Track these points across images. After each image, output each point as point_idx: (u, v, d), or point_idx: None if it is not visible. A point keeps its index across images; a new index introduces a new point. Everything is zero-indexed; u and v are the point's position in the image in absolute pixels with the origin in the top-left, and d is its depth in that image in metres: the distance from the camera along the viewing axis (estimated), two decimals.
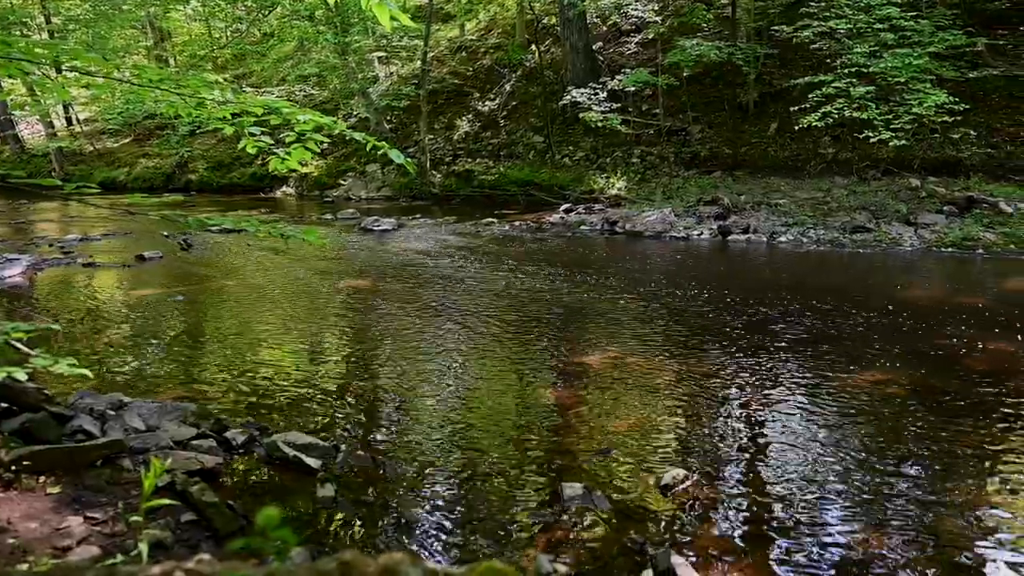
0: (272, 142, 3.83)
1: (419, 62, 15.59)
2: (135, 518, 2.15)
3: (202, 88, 3.89)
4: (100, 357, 4.96)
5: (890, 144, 9.80)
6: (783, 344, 4.93)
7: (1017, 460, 3.25)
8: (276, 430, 3.56)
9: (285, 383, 4.42)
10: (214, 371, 4.70)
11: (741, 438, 3.53)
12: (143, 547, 1.80)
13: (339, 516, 2.83)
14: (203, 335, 5.69)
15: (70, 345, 5.20)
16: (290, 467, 3.22)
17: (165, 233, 10.13)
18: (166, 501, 2.10)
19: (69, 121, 22.17)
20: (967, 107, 9.87)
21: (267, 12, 18.50)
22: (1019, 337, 4.98)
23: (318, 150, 3.93)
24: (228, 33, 21.27)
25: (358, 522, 2.79)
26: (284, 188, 16.95)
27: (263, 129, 3.72)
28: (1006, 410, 3.75)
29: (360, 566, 1.16)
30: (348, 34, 15.81)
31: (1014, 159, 10.25)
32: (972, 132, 10.36)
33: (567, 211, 11.60)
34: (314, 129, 3.70)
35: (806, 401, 3.94)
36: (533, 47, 15.47)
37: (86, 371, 2.70)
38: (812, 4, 10.93)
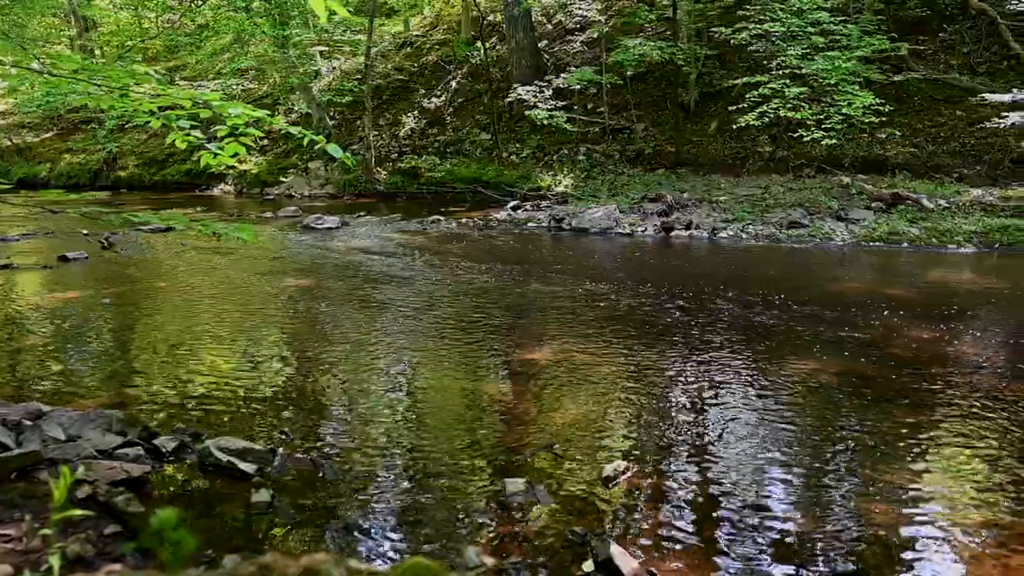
0: (203, 137, 3.66)
1: (363, 57, 15.31)
2: (45, 532, 2.02)
3: (126, 79, 3.70)
4: (17, 364, 4.66)
5: (822, 143, 10.21)
6: (722, 336, 5.06)
7: (939, 441, 3.42)
8: (210, 435, 3.42)
9: (220, 387, 4.25)
10: (144, 377, 4.49)
11: (681, 428, 3.60)
12: (54, 561, 1.68)
13: (275, 522, 2.74)
14: (132, 339, 5.42)
15: None
16: (224, 473, 3.10)
17: (84, 231, 9.59)
18: (79, 512, 1.97)
19: None
20: (892, 108, 10.37)
21: (201, 2, 17.83)
22: (938, 325, 5.25)
23: (254, 145, 3.79)
24: (159, 23, 20.39)
25: (295, 527, 2.71)
26: (222, 186, 16.37)
27: (194, 123, 3.56)
28: (927, 394, 3.95)
29: (280, 568, 1.11)
30: (287, 27, 15.37)
31: (935, 158, 10.83)
32: (897, 132, 10.89)
33: (514, 208, 11.61)
34: (247, 123, 3.56)
35: (743, 391, 4.05)
36: (479, 44, 15.42)
37: None
38: (749, 7, 11.26)
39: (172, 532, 0.91)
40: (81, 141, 18.55)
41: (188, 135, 3.61)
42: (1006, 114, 9.65)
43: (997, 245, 8.20)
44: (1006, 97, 9.82)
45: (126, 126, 17.40)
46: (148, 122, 3.80)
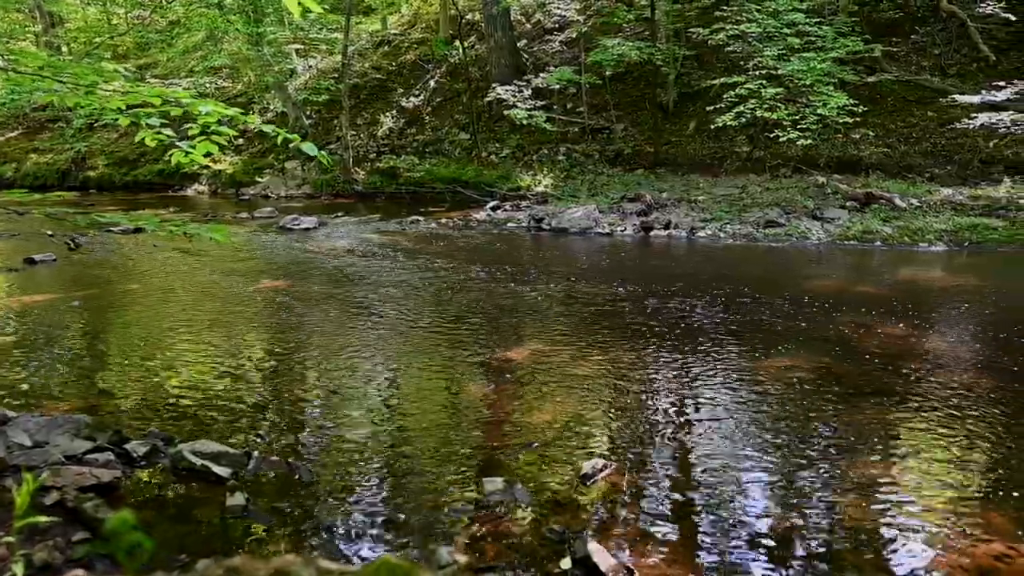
0: (174, 135, 3.59)
1: (339, 55, 15.17)
2: (9, 539, 1.95)
3: (93, 77, 3.61)
4: None
5: (798, 143, 10.33)
6: (699, 334, 5.09)
7: (910, 437, 3.47)
8: (183, 439, 3.35)
9: (194, 391, 4.17)
10: (115, 381, 4.39)
11: (659, 426, 3.61)
12: (17, 569, 1.63)
13: (249, 525, 2.69)
14: (102, 343, 5.30)
15: None
16: (198, 477, 3.04)
17: (49, 232, 9.35)
18: (44, 519, 1.91)
19: None
20: (866, 109, 10.53)
21: None
22: (910, 322, 5.34)
23: (228, 144, 3.73)
24: (129, 19, 20.01)
25: (270, 529, 2.66)
26: (196, 186, 16.11)
27: (164, 121, 3.49)
28: (899, 390, 4.01)
29: (249, 570, 1.08)
30: (261, 24, 15.16)
31: (907, 158, 11.02)
32: (871, 133, 11.07)
33: (494, 208, 11.58)
34: (220, 121, 3.50)
35: (721, 388, 4.07)
36: (457, 43, 15.37)
37: None
38: (726, 8, 11.37)
39: (129, 534, 0.87)
40: (48, 140, 18.13)
41: (158, 133, 3.53)
42: (975, 115, 9.85)
43: (967, 243, 8.37)
44: (975, 98, 10.02)
45: (95, 125, 17.04)
46: (117, 120, 3.71)
